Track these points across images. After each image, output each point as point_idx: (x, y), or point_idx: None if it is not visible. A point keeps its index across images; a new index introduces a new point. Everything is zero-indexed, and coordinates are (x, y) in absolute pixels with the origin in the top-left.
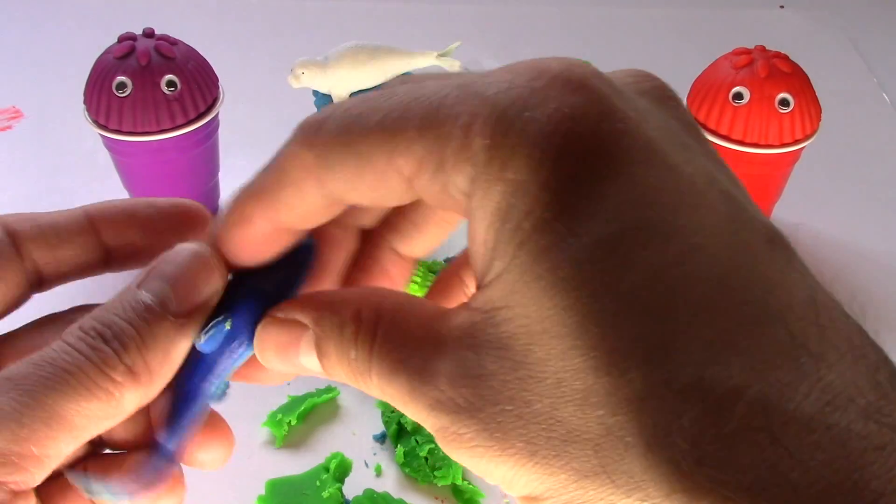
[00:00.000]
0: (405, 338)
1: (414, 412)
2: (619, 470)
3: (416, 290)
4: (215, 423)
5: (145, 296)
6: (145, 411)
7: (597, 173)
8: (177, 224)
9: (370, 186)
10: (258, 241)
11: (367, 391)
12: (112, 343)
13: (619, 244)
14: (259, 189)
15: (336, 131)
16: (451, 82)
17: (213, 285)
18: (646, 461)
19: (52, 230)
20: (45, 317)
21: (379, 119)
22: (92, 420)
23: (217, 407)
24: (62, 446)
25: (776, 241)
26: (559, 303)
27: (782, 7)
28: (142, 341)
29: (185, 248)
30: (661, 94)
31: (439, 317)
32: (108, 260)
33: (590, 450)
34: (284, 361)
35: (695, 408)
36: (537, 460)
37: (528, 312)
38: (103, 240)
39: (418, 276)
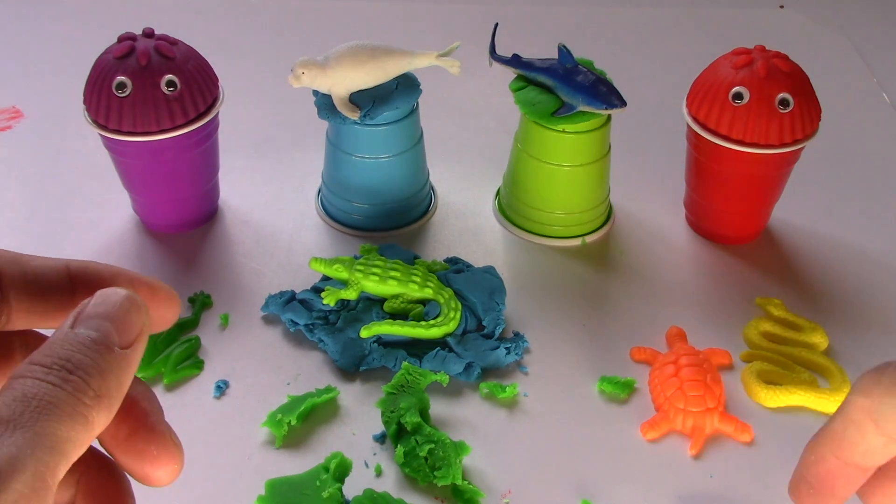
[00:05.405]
0: None
1: None
2: None
3: (415, 290)
4: (164, 441)
5: (90, 332)
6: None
7: None
8: (148, 302)
9: None
10: (832, 476)
11: None
12: (77, 373)
13: None
14: (827, 432)
15: (890, 385)
16: None
17: (143, 322)
18: None
19: (36, 283)
20: None
21: None
22: (77, 445)
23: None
24: (60, 474)
25: None
26: None
27: (782, 7)
28: (100, 369)
29: (116, 292)
30: None
31: None
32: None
33: None
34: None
35: None
36: None
37: None
38: (76, 300)
39: (418, 275)
